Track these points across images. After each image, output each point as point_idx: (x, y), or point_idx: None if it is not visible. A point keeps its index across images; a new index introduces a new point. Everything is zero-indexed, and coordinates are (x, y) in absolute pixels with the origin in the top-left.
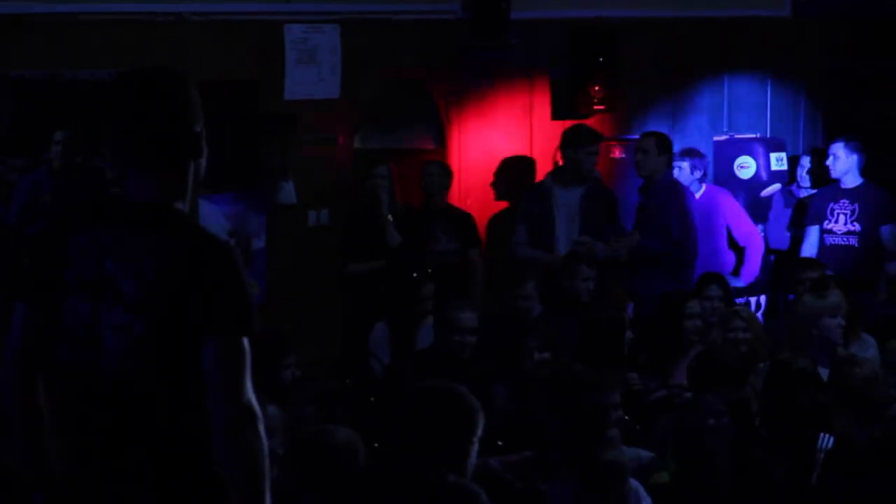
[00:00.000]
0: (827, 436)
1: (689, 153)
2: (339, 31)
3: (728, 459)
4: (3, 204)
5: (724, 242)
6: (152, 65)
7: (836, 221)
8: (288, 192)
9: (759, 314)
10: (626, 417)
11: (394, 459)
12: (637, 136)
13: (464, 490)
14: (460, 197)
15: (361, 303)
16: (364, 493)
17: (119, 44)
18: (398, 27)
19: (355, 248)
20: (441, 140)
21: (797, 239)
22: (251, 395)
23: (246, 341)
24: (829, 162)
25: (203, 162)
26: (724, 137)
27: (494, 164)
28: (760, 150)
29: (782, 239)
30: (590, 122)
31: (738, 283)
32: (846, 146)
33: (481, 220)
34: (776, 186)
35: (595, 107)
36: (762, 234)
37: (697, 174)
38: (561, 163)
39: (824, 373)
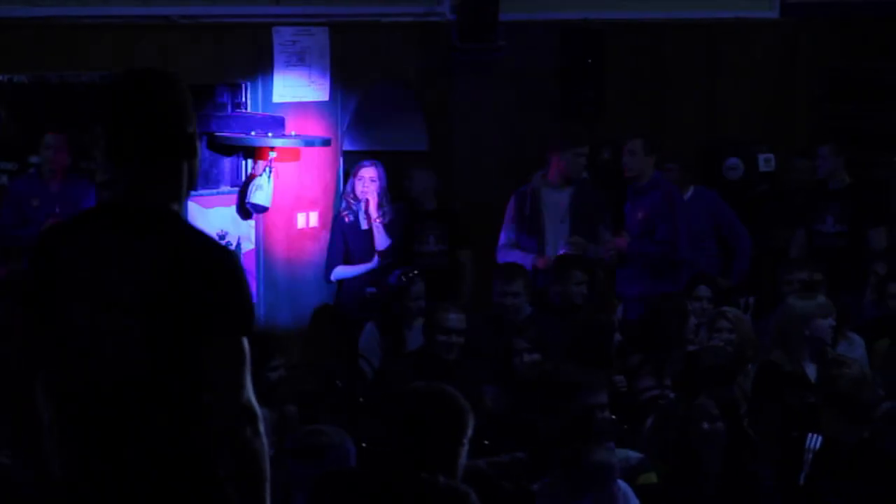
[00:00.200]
0: (815, 436)
1: (677, 154)
2: (328, 33)
3: (717, 461)
4: None
5: (712, 243)
6: (143, 66)
7: (824, 222)
8: (265, 194)
9: (747, 315)
10: (614, 418)
11: (383, 460)
12: (625, 138)
13: (454, 491)
14: (449, 198)
15: (350, 304)
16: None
17: (107, 47)
18: (387, 29)
19: (343, 248)
20: (430, 142)
21: (785, 240)
22: (251, 395)
23: (245, 342)
24: (817, 163)
25: (197, 163)
26: (711, 139)
27: (483, 166)
28: (748, 151)
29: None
30: (578, 123)
31: (728, 283)
32: (834, 147)
33: (470, 222)
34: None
35: (583, 108)
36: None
37: (686, 175)
38: (549, 164)
39: (811, 373)
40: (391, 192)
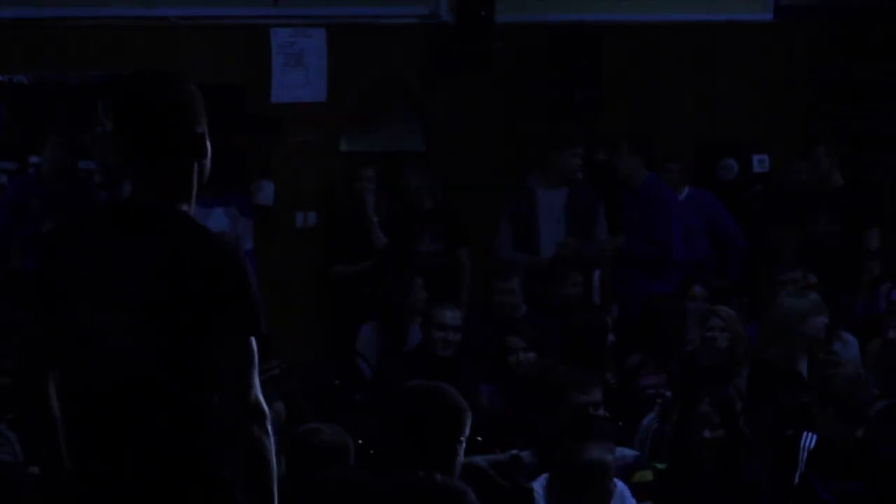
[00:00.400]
0: (810, 435)
1: (674, 155)
2: (326, 34)
3: (714, 462)
4: None
5: (706, 243)
6: (153, 67)
7: (818, 223)
8: (267, 193)
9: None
10: (608, 415)
11: (381, 458)
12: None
13: (451, 489)
14: (446, 198)
15: (348, 304)
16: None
17: (106, 48)
18: (384, 31)
19: (342, 249)
20: (427, 142)
21: (780, 240)
22: (259, 393)
23: (253, 341)
24: (810, 164)
25: (207, 163)
26: (706, 139)
27: (479, 166)
28: (743, 151)
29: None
30: (573, 124)
31: (723, 283)
32: (828, 148)
33: (467, 221)
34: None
35: (579, 109)
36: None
37: (679, 176)
38: (545, 165)
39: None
40: (389, 192)
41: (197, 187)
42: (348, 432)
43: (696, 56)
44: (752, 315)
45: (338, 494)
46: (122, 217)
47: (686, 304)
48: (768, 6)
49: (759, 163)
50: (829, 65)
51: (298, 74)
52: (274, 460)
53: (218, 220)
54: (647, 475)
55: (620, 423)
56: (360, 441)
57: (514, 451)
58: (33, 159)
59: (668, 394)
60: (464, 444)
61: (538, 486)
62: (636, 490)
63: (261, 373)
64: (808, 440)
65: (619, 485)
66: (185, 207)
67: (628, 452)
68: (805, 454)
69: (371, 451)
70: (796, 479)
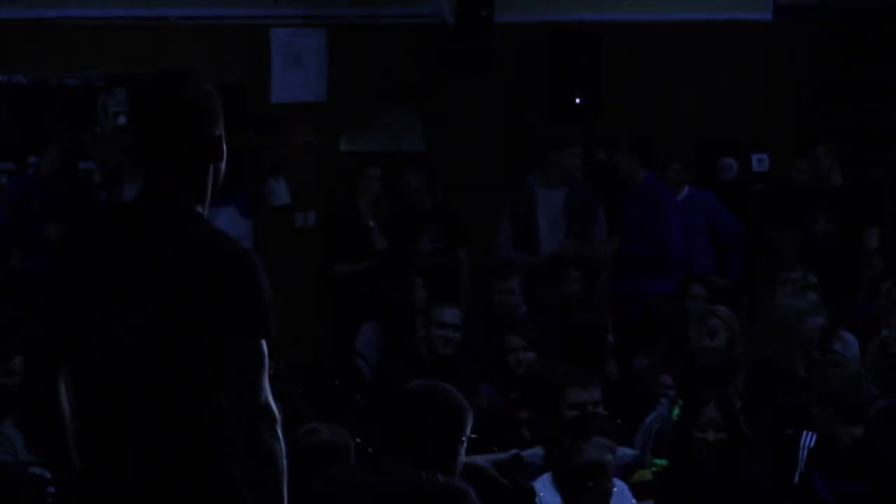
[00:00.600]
0: (809, 434)
1: (674, 155)
2: (325, 34)
3: (714, 462)
4: None
5: (706, 243)
6: (173, 68)
7: (818, 222)
8: (281, 193)
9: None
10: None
11: (382, 458)
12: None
13: (453, 489)
14: (446, 198)
15: (347, 304)
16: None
17: (106, 48)
18: (384, 31)
19: (341, 249)
20: (427, 142)
21: (779, 239)
22: (269, 396)
23: (263, 344)
24: (810, 163)
25: (223, 166)
26: (705, 139)
27: (479, 166)
28: (742, 151)
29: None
30: (573, 124)
31: (723, 283)
32: (827, 148)
33: (467, 221)
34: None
35: (578, 109)
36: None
37: (682, 175)
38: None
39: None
40: (385, 192)
41: (211, 189)
42: (348, 432)
43: (696, 56)
44: (752, 315)
45: (338, 495)
46: (135, 217)
47: (686, 303)
48: (768, 6)
49: (759, 162)
50: (828, 64)
51: (298, 74)
52: (283, 463)
53: (217, 221)
54: (647, 474)
55: (619, 421)
56: (359, 441)
57: (515, 451)
58: (33, 160)
59: (672, 393)
60: (465, 444)
61: (540, 485)
62: (636, 489)
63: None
64: (808, 439)
65: (619, 484)
66: (198, 209)
67: (628, 452)
68: (805, 453)
69: (371, 451)
70: (796, 479)
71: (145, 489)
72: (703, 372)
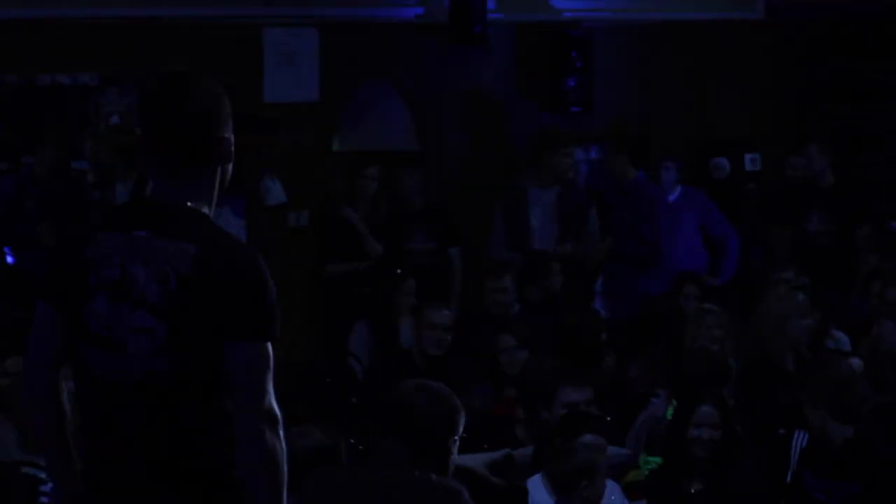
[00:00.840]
0: (802, 434)
1: (668, 154)
2: (318, 34)
3: (707, 461)
4: None
5: (699, 242)
6: (182, 69)
7: (810, 222)
8: (276, 192)
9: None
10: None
11: (374, 458)
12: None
13: (447, 489)
14: (438, 197)
15: (340, 303)
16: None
17: (98, 48)
18: (377, 30)
19: (334, 249)
20: (420, 141)
21: (772, 239)
22: (273, 399)
23: (269, 346)
24: (803, 162)
25: (230, 168)
26: (698, 138)
27: (472, 166)
28: (735, 150)
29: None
30: (566, 123)
31: (716, 282)
32: (820, 147)
33: (459, 220)
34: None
35: (571, 108)
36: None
37: (675, 175)
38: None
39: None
40: (382, 191)
41: (218, 191)
42: (340, 432)
43: (689, 55)
44: (745, 314)
45: (330, 495)
46: (148, 217)
47: (679, 303)
48: (759, 5)
49: (752, 162)
50: (819, 64)
51: (291, 74)
52: (285, 466)
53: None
54: (640, 474)
55: (612, 421)
56: (352, 440)
57: (507, 450)
58: (27, 159)
59: (665, 392)
60: (457, 443)
61: (532, 485)
62: (629, 489)
63: None
64: (801, 439)
65: (611, 484)
66: (205, 210)
67: (621, 451)
68: (797, 453)
69: (363, 451)
70: (789, 478)
71: (146, 490)
72: (697, 371)
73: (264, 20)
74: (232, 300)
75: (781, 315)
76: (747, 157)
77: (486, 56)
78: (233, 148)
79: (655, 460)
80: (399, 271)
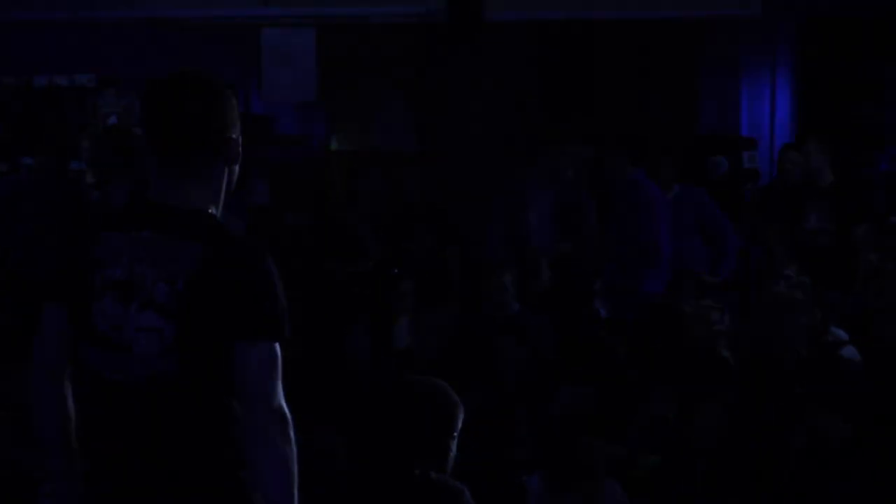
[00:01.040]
0: (802, 430)
1: (666, 152)
2: (315, 34)
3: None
4: None
5: (698, 240)
6: (188, 70)
7: (809, 220)
8: (261, 192)
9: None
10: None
11: (374, 457)
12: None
13: (448, 487)
14: (437, 196)
15: (338, 304)
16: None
17: (95, 48)
18: (375, 30)
19: (332, 248)
20: (417, 141)
21: (770, 237)
22: (282, 399)
23: (277, 346)
24: (800, 159)
25: (237, 169)
26: (696, 136)
27: (470, 165)
28: (733, 148)
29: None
30: (564, 122)
31: (715, 280)
32: (819, 144)
33: (458, 219)
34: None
35: (569, 107)
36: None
37: (673, 173)
38: (535, 163)
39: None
40: (380, 191)
41: (225, 191)
42: (338, 432)
43: (687, 53)
44: (744, 312)
45: (331, 495)
46: (156, 217)
47: (678, 302)
48: (756, 2)
49: (749, 159)
50: (817, 61)
51: (289, 74)
52: (295, 466)
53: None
54: (641, 473)
55: (612, 419)
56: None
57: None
58: (25, 160)
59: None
60: (456, 440)
61: (532, 483)
62: (630, 486)
63: None
64: (801, 436)
65: (612, 483)
66: (212, 210)
67: (620, 450)
68: (796, 450)
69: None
70: (788, 476)
71: (148, 490)
72: (697, 370)
73: (262, 20)
74: (240, 300)
75: (780, 313)
76: (745, 154)
77: (485, 56)
78: (240, 149)
79: (655, 461)
80: (396, 271)
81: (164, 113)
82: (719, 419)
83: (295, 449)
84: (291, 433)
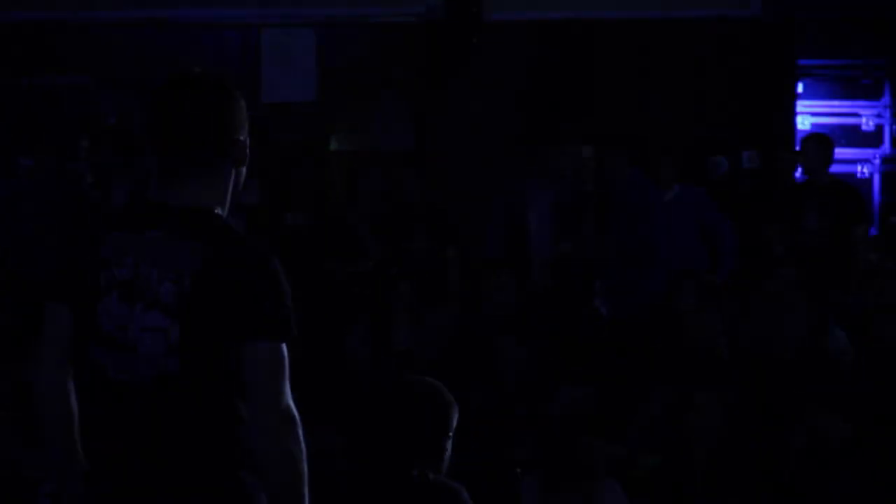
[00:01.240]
0: (802, 430)
1: (665, 152)
2: (315, 34)
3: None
4: None
5: (697, 240)
6: (198, 71)
7: (807, 219)
8: (251, 192)
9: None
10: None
11: (374, 458)
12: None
13: (445, 487)
14: (435, 196)
15: (337, 304)
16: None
17: (95, 49)
18: (374, 30)
19: (331, 249)
20: (416, 141)
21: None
22: (289, 399)
23: (284, 347)
24: (801, 159)
25: (244, 170)
26: (695, 136)
27: (469, 165)
28: (732, 148)
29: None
30: (563, 122)
31: (715, 280)
32: (817, 143)
33: (457, 219)
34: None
35: (569, 107)
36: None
37: (672, 173)
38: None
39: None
40: (379, 191)
41: (231, 193)
42: (338, 432)
43: (686, 52)
44: (744, 311)
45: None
46: (162, 217)
47: (678, 302)
48: (754, 2)
49: (749, 159)
50: (816, 61)
51: (288, 74)
52: (305, 467)
53: None
54: (641, 473)
55: (612, 419)
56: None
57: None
58: (24, 161)
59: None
60: (451, 439)
61: (531, 483)
62: (630, 486)
63: None
64: (801, 436)
65: (611, 483)
66: (218, 211)
67: (620, 449)
68: (795, 450)
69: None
70: (787, 476)
71: (151, 490)
72: (696, 369)
73: (262, 21)
74: (246, 300)
75: (780, 313)
76: (745, 154)
77: (485, 56)
78: (247, 150)
79: (655, 460)
80: (395, 271)
81: (173, 113)
82: (719, 419)
83: (304, 449)
84: (300, 433)
